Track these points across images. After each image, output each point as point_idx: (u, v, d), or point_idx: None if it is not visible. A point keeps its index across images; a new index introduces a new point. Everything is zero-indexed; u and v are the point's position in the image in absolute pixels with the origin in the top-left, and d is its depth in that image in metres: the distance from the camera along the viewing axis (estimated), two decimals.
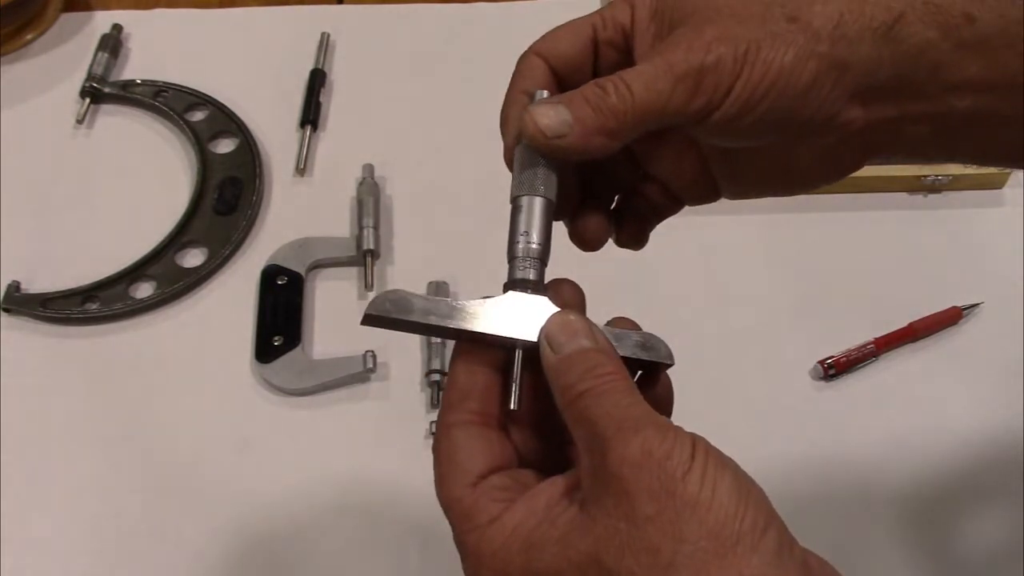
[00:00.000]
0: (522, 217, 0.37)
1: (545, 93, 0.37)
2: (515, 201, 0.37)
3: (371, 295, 0.71)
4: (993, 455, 0.64)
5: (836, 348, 0.68)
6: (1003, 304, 0.70)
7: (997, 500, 0.62)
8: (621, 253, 0.73)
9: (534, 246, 0.36)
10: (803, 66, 0.34)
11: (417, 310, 0.36)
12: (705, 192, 0.40)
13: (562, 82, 0.38)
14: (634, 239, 0.42)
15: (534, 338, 0.35)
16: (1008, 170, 0.75)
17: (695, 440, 0.32)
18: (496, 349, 0.36)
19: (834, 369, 0.67)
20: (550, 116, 0.35)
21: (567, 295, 0.37)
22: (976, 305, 0.70)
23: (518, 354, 0.36)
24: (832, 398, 0.67)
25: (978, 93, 0.35)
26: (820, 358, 0.67)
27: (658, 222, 0.42)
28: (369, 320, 0.36)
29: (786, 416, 0.66)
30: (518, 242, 0.37)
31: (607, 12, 0.39)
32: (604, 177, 0.41)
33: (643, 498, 0.30)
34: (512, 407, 0.35)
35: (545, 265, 0.37)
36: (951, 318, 0.69)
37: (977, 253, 0.73)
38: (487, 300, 0.36)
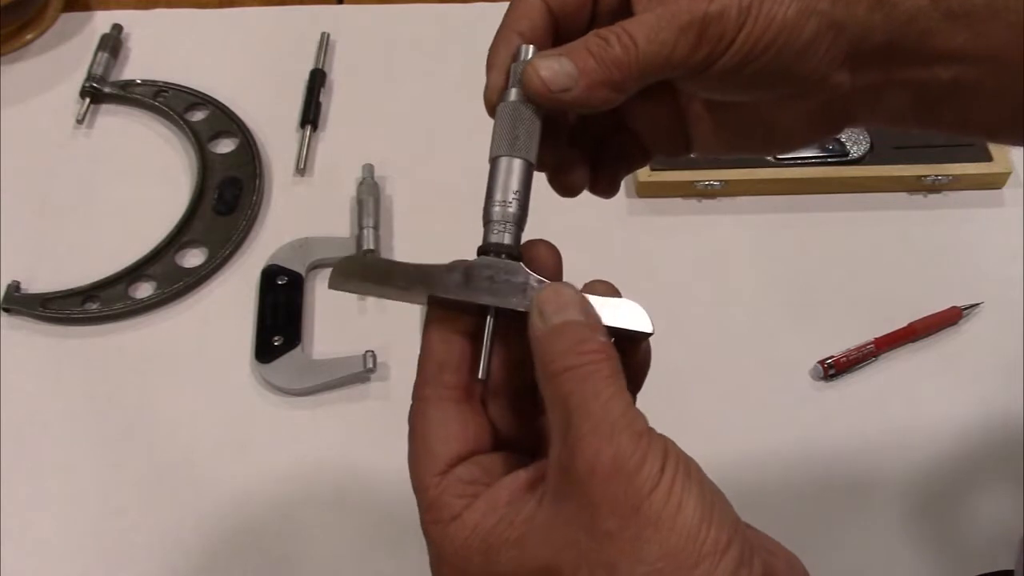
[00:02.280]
0: (500, 178, 0.36)
1: (531, 49, 0.36)
2: (494, 161, 0.36)
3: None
4: (993, 455, 0.64)
5: (836, 348, 0.68)
6: (1003, 304, 0.70)
7: (997, 500, 0.62)
8: (621, 252, 0.73)
9: (511, 210, 0.35)
10: (804, 22, 0.34)
11: (388, 272, 0.35)
12: (677, 145, 0.40)
13: (559, 26, 0.38)
14: (607, 187, 0.42)
15: (510, 305, 0.34)
16: (1008, 170, 0.75)
17: (667, 450, 0.31)
18: (470, 316, 0.35)
19: (834, 369, 0.67)
20: (553, 69, 0.34)
21: (543, 256, 0.37)
22: (976, 305, 0.70)
23: (489, 321, 0.34)
24: (832, 398, 0.67)
25: (962, 63, 0.35)
26: (820, 358, 0.67)
27: (627, 172, 0.42)
28: (336, 283, 0.35)
29: (786, 416, 0.66)
30: (495, 205, 0.35)
31: None
32: (583, 126, 0.40)
33: (606, 511, 0.30)
34: (480, 376, 0.34)
35: (522, 230, 0.36)
36: (951, 318, 0.69)
37: (977, 253, 0.73)
38: (459, 263, 0.35)
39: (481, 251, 0.35)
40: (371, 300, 0.70)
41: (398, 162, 0.78)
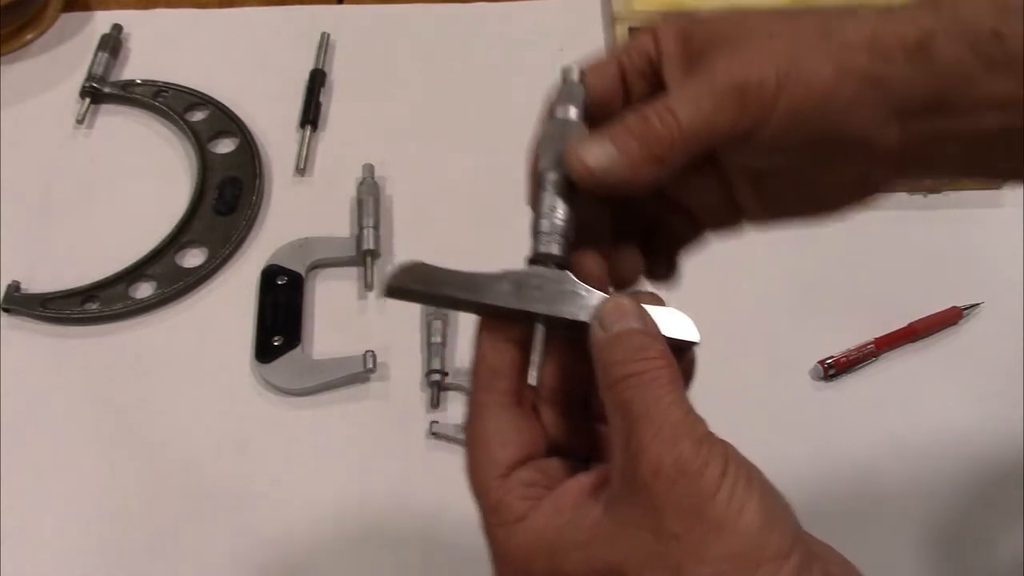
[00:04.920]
0: (547, 191, 0.36)
1: (573, 110, 0.37)
2: (542, 175, 0.37)
3: (371, 295, 0.71)
4: (993, 455, 0.64)
5: (836, 348, 0.68)
6: (1003, 304, 0.70)
7: (997, 500, 0.62)
8: None
9: (559, 222, 0.36)
10: (844, 81, 0.33)
11: (441, 282, 0.36)
12: (729, 219, 0.40)
13: (594, 119, 0.38)
14: (666, 272, 0.42)
15: (562, 314, 0.35)
16: None
17: (728, 455, 0.32)
18: (519, 324, 0.36)
19: (834, 369, 0.67)
20: (595, 153, 0.34)
21: (590, 266, 0.37)
22: (976, 305, 0.70)
23: (541, 329, 0.35)
24: (832, 398, 0.67)
25: (1008, 110, 0.34)
26: (820, 358, 0.67)
27: (685, 254, 0.42)
28: (392, 292, 0.36)
29: (786, 416, 0.66)
30: (543, 217, 0.36)
31: (630, 45, 0.38)
32: (630, 209, 0.40)
33: (671, 515, 0.30)
34: (532, 383, 0.35)
35: (570, 241, 0.36)
36: (951, 318, 0.69)
37: (977, 253, 0.73)
38: (509, 272, 0.36)
39: (531, 261, 0.36)
40: (371, 300, 0.71)
41: (398, 162, 0.78)
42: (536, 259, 0.36)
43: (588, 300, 0.35)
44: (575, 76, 0.38)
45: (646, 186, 0.35)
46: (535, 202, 0.37)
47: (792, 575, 0.30)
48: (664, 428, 0.31)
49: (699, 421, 0.32)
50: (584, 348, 0.34)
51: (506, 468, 0.35)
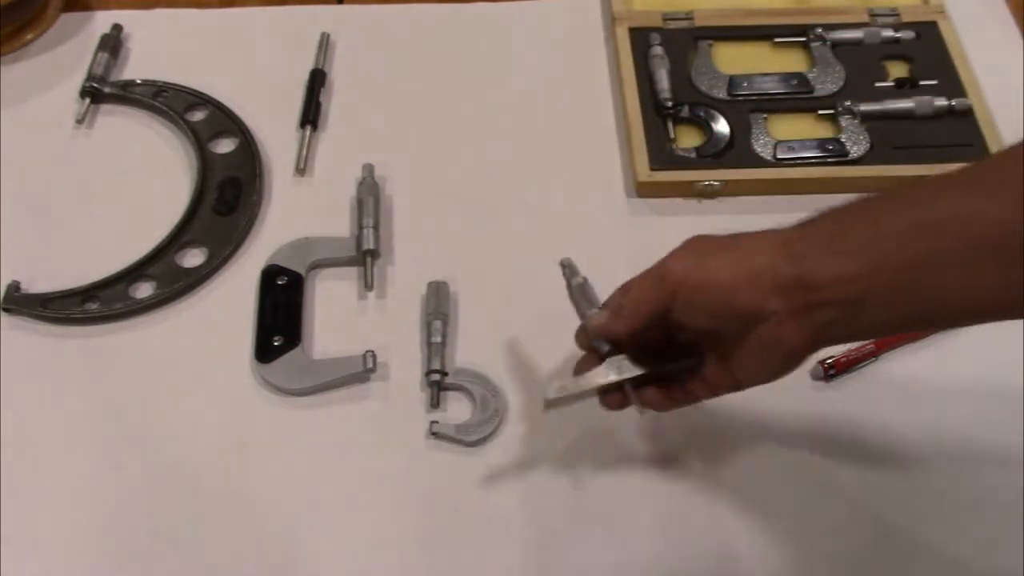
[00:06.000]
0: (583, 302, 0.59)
1: (595, 309, 0.58)
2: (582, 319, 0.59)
3: (371, 295, 0.71)
4: (993, 455, 0.64)
5: (836, 348, 0.68)
6: None
7: (997, 500, 0.62)
8: (621, 252, 0.73)
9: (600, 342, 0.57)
10: (727, 271, 0.50)
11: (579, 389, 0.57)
12: (730, 384, 0.56)
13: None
14: (680, 399, 0.58)
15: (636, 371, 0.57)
16: None
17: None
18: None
19: (834, 369, 0.67)
20: (597, 318, 0.56)
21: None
22: None
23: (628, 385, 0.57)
24: (832, 398, 0.67)
25: (847, 284, 0.47)
26: (820, 358, 0.67)
27: (686, 378, 0.57)
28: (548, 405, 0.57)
29: (786, 416, 0.66)
30: (595, 342, 0.58)
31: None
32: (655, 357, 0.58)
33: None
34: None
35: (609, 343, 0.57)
36: None
37: None
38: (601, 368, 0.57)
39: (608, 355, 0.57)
40: (371, 300, 0.71)
41: (398, 162, 0.78)
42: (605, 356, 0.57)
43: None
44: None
45: (627, 335, 0.55)
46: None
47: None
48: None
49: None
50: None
51: None
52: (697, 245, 0.53)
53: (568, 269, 0.60)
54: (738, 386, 0.55)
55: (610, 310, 0.56)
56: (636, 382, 0.57)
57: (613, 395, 0.58)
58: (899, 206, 0.47)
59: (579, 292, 0.59)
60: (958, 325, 0.49)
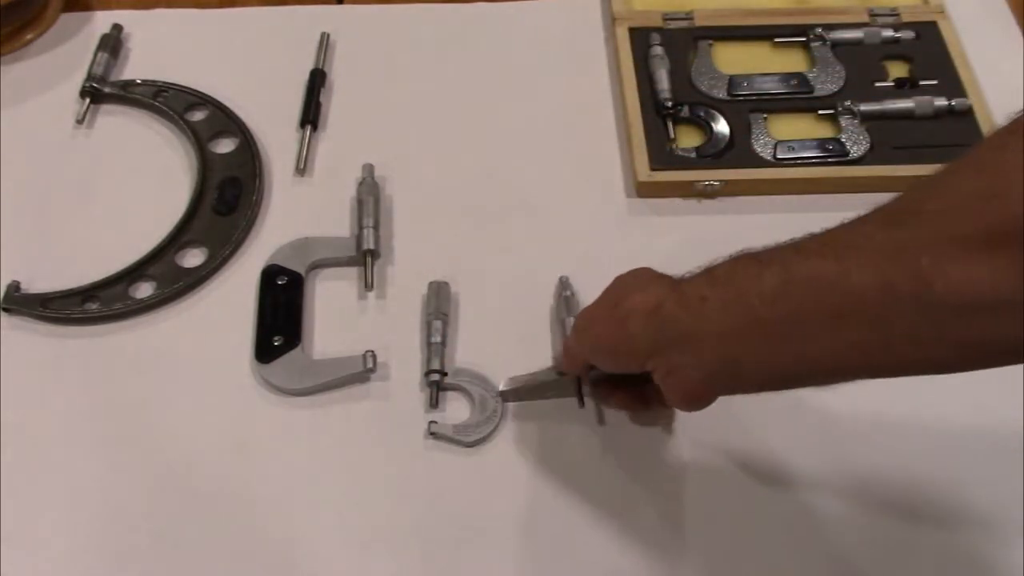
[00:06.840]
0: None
1: (571, 320, 0.67)
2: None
3: (371, 295, 0.71)
4: (993, 455, 0.64)
5: None
6: None
7: (997, 500, 0.62)
8: (621, 252, 0.73)
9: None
10: (611, 334, 0.54)
11: (532, 388, 0.65)
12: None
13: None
14: (625, 405, 0.64)
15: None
16: None
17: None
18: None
19: None
20: (558, 359, 0.65)
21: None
22: None
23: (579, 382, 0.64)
24: (831, 397, 0.67)
25: (726, 338, 0.48)
26: None
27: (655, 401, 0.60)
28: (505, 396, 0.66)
29: (784, 416, 0.66)
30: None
31: None
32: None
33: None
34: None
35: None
36: None
37: None
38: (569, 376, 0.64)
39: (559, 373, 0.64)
40: (371, 300, 0.71)
41: (398, 162, 0.78)
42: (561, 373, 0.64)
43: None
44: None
45: (575, 372, 0.62)
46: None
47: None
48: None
49: None
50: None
51: None
52: (603, 298, 0.57)
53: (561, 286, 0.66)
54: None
55: (563, 346, 0.64)
56: (605, 385, 0.62)
57: (614, 396, 0.62)
58: (768, 266, 0.48)
59: (563, 304, 0.65)
60: (833, 383, 0.50)
